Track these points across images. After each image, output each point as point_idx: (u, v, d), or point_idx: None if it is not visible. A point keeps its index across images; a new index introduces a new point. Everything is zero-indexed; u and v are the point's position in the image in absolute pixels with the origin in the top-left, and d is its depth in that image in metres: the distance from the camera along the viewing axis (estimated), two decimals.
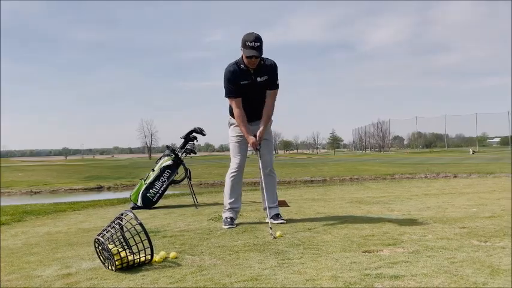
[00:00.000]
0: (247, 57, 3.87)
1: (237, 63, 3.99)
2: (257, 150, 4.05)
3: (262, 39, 3.88)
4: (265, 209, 4.23)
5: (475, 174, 14.81)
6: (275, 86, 4.06)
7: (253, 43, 3.82)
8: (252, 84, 3.97)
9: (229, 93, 4.03)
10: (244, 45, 3.85)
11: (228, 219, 4.05)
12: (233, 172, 4.15)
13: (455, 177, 14.37)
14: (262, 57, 3.97)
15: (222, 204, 6.06)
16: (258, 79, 3.97)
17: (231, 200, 4.14)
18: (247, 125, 4.05)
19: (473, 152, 44.45)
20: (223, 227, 3.98)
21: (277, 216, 4.13)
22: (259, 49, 3.85)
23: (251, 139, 4.01)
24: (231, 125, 4.25)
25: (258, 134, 4.04)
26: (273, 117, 4.21)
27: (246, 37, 3.85)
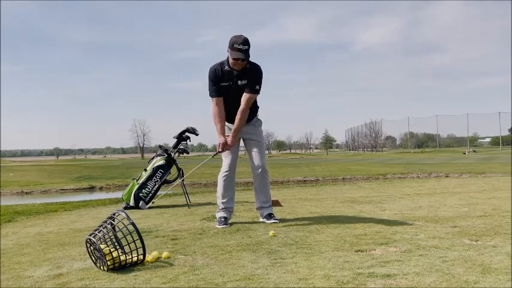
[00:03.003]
0: (234, 59, 3.84)
1: (221, 64, 3.98)
2: (219, 153, 4.07)
3: (250, 42, 3.85)
4: (258, 208, 4.24)
5: (466, 174, 14.94)
6: (253, 91, 3.95)
7: (242, 46, 3.79)
8: (232, 86, 3.96)
9: (210, 91, 4.05)
10: (232, 47, 3.81)
11: (222, 219, 4.04)
12: (225, 172, 4.15)
13: (447, 177, 14.47)
14: (249, 61, 3.95)
15: (215, 204, 6.07)
16: (239, 82, 3.95)
17: (224, 200, 4.14)
18: (223, 124, 4.03)
19: (464, 153, 44.78)
20: (216, 226, 3.97)
21: (270, 216, 4.13)
22: (246, 52, 3.82)
23: (221, 139, 4.00)
24: None
25: (228, 140, 4.01)
26: (264, 117, 4.20)
27: (235, 39, 3.82)
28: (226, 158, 4.17)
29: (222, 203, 4.13)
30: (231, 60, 3.88)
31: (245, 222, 4.18)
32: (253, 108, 4.12)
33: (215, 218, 4.19)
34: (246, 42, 3.82)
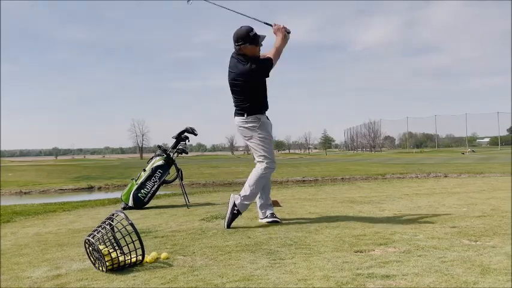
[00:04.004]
0: (258, 46, 3.99)
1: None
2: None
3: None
4: (262, 206, 4.18)
5: (465, 174, 14.96)
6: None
7: (255, 32, 3.98)
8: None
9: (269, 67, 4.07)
10: (253, 37, 3.94)
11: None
12: (271, 169, 4.07)
13: (445, 177, 14.49)
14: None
15: (214, 204, 6.07)
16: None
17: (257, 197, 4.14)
18: None
19: (463, 153, 44.88)
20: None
21: (272, 215, 4.12)
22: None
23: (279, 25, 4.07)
24: (261, 123, 4.07)
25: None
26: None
27: (248, 29, 3.95)
28: (273, 156, 4.13)
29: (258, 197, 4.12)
30: (253, 51, 3.98)
31: (244, 223, 4.16)
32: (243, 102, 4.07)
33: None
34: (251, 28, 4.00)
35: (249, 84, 3.98)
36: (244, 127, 4.07)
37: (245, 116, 4.04)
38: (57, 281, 2.47)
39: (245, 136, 4.12)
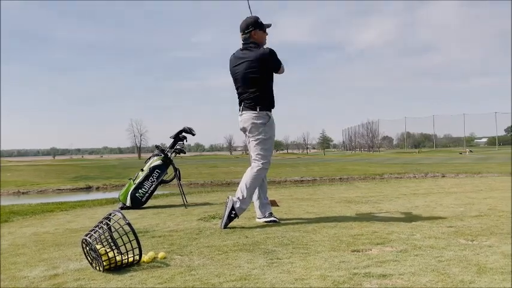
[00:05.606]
0: (266, 32, 4.09)
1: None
2: None
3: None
4: (263, 205, 4.16)
5: (462, 174, 15.00)
6: None
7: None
8: None
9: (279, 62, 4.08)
10: (261, 24, 4.05)
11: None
12: (266, 169, 4.03)
13: (443, 176, 14.52)
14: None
15: (212, 204, 6.07)
16: None
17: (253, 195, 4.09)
18: None
19: (461, 153, 44.95)
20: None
21: (271, 214, 4.11)
22: None
23: None
24: (270, 121, 4.03)
25: None
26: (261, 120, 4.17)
27: (256, 18, 4.06)
28: (271, 155, 4.09)
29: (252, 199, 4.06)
30: (262, 37, 4.07)
31: (241, 222, 4.16)
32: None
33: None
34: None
35: (265, 71, 3.99)
36: (255, 123, 3.96)
37: (257, 110, 3.96)
38: (54, 280, 2.46)
39: (251, 133, 4.00)
